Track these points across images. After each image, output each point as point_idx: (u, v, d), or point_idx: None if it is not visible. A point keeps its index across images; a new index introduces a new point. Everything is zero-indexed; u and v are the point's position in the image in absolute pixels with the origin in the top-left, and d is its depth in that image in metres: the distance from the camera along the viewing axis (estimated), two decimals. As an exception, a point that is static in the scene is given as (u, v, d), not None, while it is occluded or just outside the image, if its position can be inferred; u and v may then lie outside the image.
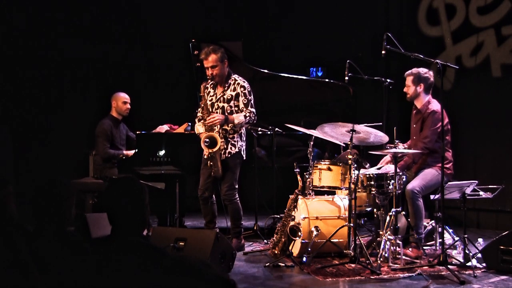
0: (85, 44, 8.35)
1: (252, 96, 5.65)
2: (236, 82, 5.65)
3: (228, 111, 5.62)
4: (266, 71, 6.64)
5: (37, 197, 2.96)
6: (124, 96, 6.68)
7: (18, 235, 2.69)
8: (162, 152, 6.11)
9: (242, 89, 5.62)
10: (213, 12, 9.18)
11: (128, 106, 6.68)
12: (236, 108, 5.63)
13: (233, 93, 5.64)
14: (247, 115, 5.57)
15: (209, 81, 5.66)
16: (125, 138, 6.75)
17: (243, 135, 5.74)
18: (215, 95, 5.71)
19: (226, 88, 5.66)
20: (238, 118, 5.55)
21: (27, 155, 8.04)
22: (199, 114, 5.75)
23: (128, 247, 2.55)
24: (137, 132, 6.30)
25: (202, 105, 5.65)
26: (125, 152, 6.54)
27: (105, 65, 8.47)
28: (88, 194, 6.28)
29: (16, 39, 7.99)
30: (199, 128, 5.69)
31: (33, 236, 2.86)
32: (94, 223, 5.38)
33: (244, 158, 5.75)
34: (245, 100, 5.60)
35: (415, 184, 5.24)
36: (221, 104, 5.66)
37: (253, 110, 5.62)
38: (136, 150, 6.20)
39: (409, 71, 5.53)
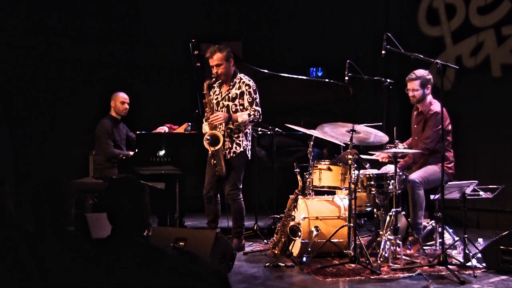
0: (85, 44, 8.35)
1: (257, 95, 5.64)
2: (242, 80, 5.65)
3: (233, 110, 5.60)
4: (266, 71, 6.64)
5: (37, 197, 2.95)
6: (122, 96, 6.68)
7: (17, 235, 2.69)
8: (162, 152, 6.11)
9: (247, 87, 5.61)
10: (213, 12, 9.19)
11: (126, 106, 6.68)
12: (241, 107, 5.61)
13: (238, 92, 5.62)
14: (251, 113, 5.55)
15: (213, 79, 5.66)
16: (125, 137, 6.75)
17: (248, 134, 5.73)
18: (220, 94, 5.71)
19: (231, 87, 5.65)
20: (242, 116, 5.54)
21: (27, 155, 8.04)
22: (207, 114, 5.70)
23: (128, 247, 2.55)
24: (137, 132, 6.30)
25: (207, 104, 5.64)
26: (131, 152, 6.52)
27: (105, 65, 8.47)
28: (88, 194, 6.28)
29: (16, 39, 7.99)
30: (206, 127, 5.67)
31: (33, 236, 2.86)
32: (94, 223, 5.38)
33: (249, 158, 5.74)
34: (249, 99, 5.59)
35: (417, 175, 5.30)
36: (226, 103, 5.65)
37: (258, 109, 5.60)
38: (136, 150, 6.20)
39: (412, 75, 5.49)
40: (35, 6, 8.04)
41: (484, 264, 4.85)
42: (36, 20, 8.09)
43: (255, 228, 6.40)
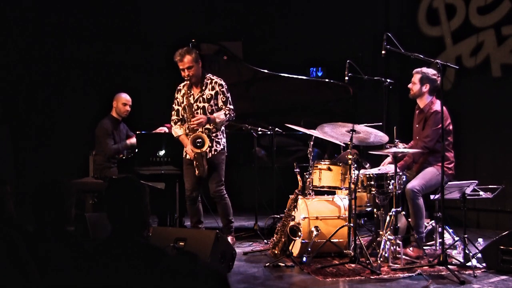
0: (85, 44, 8.35)
1: (229, 94, 5.71)
2: (213, 81, 5.68)
3: (209, 111, 5.65)
4: (266, 71, 6.64)
5: (38, 197, 2.96)
6: (125, 98, 6.68)
7: (17, 235, 2.69)
8: (162, 152, 6.12)
9: (220, 87, 5.66)
10: (213, 12, 9.18)
11: (128, 108, 6.68)
12: (216, 107, 5.68)
13: (212, 92, 5.66)
14: (226, 112, 5.63)
15: (187, 82, 5.65)
16: (125, 138, 6.76)
17: (223, 131, 5.80)
18: (192, 96, 5.70)
19: (204, 88, 5.67)
20: (219, 117, 5.61)
21: (27, 155, 8.04)
22: (174, 117, 5.75)
23: (128, 247, 2.55)
24: (137, 132, 6.31)
25: (181, 108, 5.66)
26: (128, 142, 6.54)
27: (105, 65, 8.47)
28: (88, 194, 6.28)
29: (16, 39, 7.99)
30: (177, 131, 5.71)
31: (33, 236, 2.86)
32: (94, 223, 5.38)
33: (226, 153, 5.78)
34: (223, 98, 5.66)
35: (415, 183, 5.24)
36: (201, 104, 5.66)
37: (232, 107, 5.68)
38: (136, 150, 6.21)
39: (419, 68, 5.50)
40: (35, 6, 8.04)
41: (484, 264, 4.85)
42: (36, 20, 8.08)
43: (255, 228, 6.41)
